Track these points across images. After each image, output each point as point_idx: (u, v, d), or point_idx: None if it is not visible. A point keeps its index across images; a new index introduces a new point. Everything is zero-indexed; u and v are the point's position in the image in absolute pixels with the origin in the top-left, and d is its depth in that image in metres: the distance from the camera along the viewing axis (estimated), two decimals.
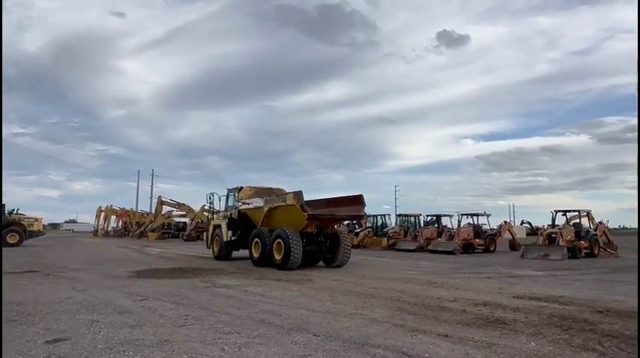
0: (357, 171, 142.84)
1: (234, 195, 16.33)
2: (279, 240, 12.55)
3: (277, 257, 12.62)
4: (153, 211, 46.94)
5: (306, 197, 13.06)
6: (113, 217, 49.47)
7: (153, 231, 39.87)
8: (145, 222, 44.84)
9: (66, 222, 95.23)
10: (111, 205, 49.50)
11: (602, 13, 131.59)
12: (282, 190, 16.07)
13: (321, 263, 14.12)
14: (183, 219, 44.52)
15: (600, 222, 21.78)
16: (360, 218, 20.54)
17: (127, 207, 51.86)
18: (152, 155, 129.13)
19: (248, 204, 15.09)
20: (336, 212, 13.07)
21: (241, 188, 16.25)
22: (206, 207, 18.73)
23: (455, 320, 5.92)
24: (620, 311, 6.58)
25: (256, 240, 13.77)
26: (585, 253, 19.08)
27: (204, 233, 18.98)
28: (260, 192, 15.88)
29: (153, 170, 70.43)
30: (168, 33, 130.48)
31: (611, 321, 5.86)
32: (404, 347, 4.53)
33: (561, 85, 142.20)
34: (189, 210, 42.21)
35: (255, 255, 13.71)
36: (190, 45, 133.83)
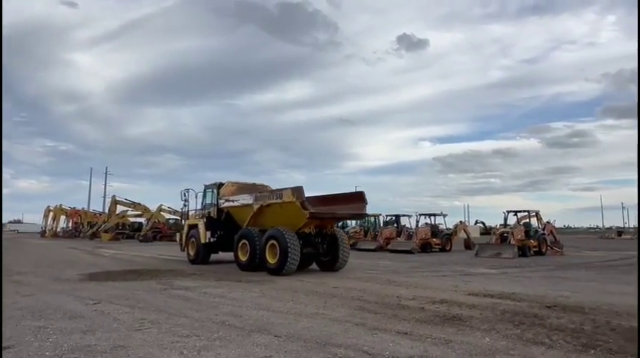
0: (317, 172, 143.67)
1: (213, 191, 14.75)
2: (274, 241, 11.22)
3: (271, 261, 11.25)
4: (106, 211, 45.13)
5: None
6: (63, 217, 47.13)
7: (106, 231, 38.26)
8: (97, 223, 43.00)
9: (10, 222, 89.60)
10: (60, 204, 47.12)
11: (549, 24, 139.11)
12: (266, 186, 14.95)
13: (313, 266, 12.91)
14: (138, 219, 43.09)
15: (548, 222, 23.01)
16: (361, 217, 18.82)
17: (78, 207, 49.63)
18: (105, 152, 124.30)
19: (232, 201, 13.55)
20: (338, 210, 11.92)
21: (221, 184, 14.64)
22: (181, 205, 16.52)
23: (414, 317, 6.05)
24: (566, 306, 6.96)
25: (244, 241, 12.28)
26: (534, 251, 20.05)
27: (178, 234, 17.01)
28: (244, 188, 14.49)
29: (106, 168, 67.99)
30: (123, 26, 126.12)
31: (558, 316, 6.18)
32: (365, 346, 4.58)
33: (513, 91, 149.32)
34: (146, 209, 40.91)
35: (242, 258, 12.27)
36: (146, 39, 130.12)
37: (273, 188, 13.62)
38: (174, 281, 9.97)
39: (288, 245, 10.87)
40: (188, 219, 15.99)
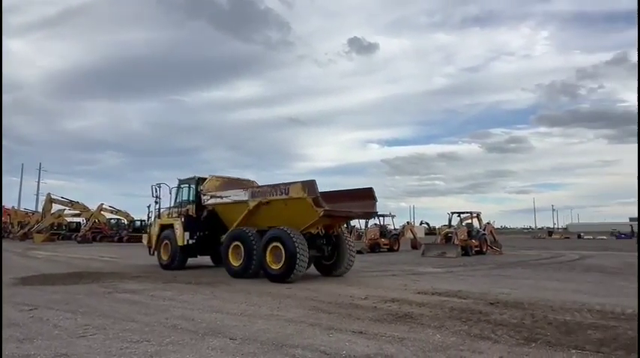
0: (267, 171, 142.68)
1: (191, 187, 13.20)
2: (277, 243, 9.89)
3: (274, 266, 9.95)
4: (39, 210, 42.16)
5: None
6: None
7: (39, 232, 35.68)
8: (29, 222, 40.07)
9: None
10: None
11: (489, 35, 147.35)
12: (252, 182, 13.49)
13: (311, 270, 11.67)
14: (76, 219, 40.66)
15: (488, 223, 24.29)
16: (372, 216, 16.46)
17: (8, 205, 45.98)
18: (40, 147, 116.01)
19: (220, 197, 11.95)
20: (351, 208, 10.86)
21: (201, 178, 13.04)
22: (151, 203, 14.19)
23: (367, 316, 6.16)
24: (507, 302, 7.38)
25: (236, 243, 10.86)
26: (476, 251, 21.09)
27: (145, 236, 14.88)
28: (229, 183, 13.05)
29: (40, 164, 63.54)
30: (62, 12, 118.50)
31: (501, 312, 6.55)
32: (322, 346, 4.61)
33: (455, 98, 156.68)
34: (84, 208, 38.66)
35: (235, 263, 10.82)
36: (88, 28, 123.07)
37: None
38: (118, 284, 9.50)
39: (297, 248, 9.56)
40: (159, 218, 13.87)
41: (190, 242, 12.43)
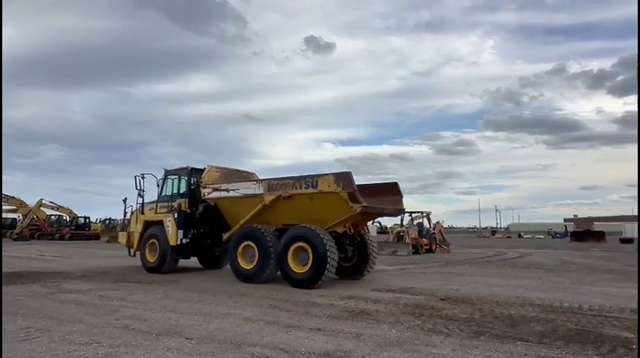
0: None
1: (181, 179, 11.75)
2: (303, 243, 8.80)
3: (298, 269, 8.83)
4: None
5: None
6: None
7: None
8: None
9: None
10: None
11: (440, 41, 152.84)
12: (253, 174, 12.40)
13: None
14: (12, 215, 37.95)
15: (437, 222, 25.19)
16: (401, 213, 14.21)
17: None
18: None
19: (225, 190, 10.53)
20: (384, 205, 9.74)
21: (195, 169, 11.66)
22: (127, 197, 12.72)
23: (325, 314, 6.23)
24: (457, 298, 7.71)
25: (247, 243, 9.67)
26: (426, 249, 21.80)
27: (122, 234, 13.13)
28: (231, 174, 11.83)
29: None
30: None
31: (452, 307, 6.83)
32: (281, 344, 4.61)
33: (407, 101, 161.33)
34: (21, 204, 36.18)
35: (246, 265, 9.63)
36: (31, 11, 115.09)
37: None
38: (62, 284, 9.00)
39: (328, 249, 8.51)
40: (143, 213, 12.12)
41: (184, 241, 11.00)
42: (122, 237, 12.99)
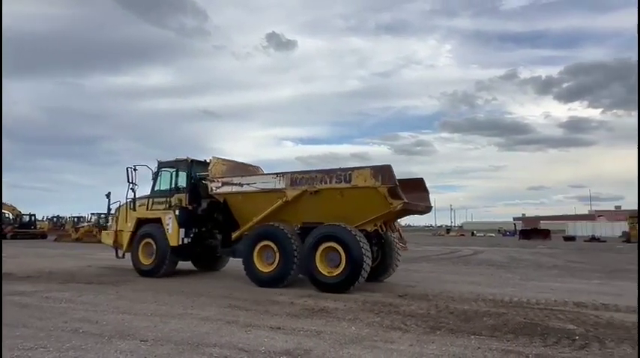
0: None
1: (181, 171, 10.61)
2: (333, 243, 8.03)
3: (327, 272, 8.09)
4: None
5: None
6: None
7: None
8: None
9: None
10: None
11: (400, 44, 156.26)
12: (258, 168, 11.59)
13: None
14: None
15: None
16: (430, 210, 11.51)
17: None
18: None
19: (238, 184, 9.51)
20: (418, 201, 9.01)
21: (195, 160, 10.67)
22: (110, 191, 11.55)
23: (285, 312, 6.21)
24: (414, 294, 7.90)
25: (265, 243, 8.78)
26: None
27: (107, 234, 11.69)
28: (237, 167, 10.86)
29: None
30: None
31: (409, 303, 6.99)
32: (240, 343, 4.54)
33: (367, 101, 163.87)
34: None
35: (264, 268, 8.77)
36: None
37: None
38: (4, 285, 8.42)
39: (363, 251, 7.83)
40: (134, 209, 10.81)
41: (186, 241, 9.94)
42: (107, 237, 11.62)
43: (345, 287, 7.88)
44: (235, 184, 9.57)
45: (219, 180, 9.80)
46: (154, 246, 10.08)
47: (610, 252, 23.98)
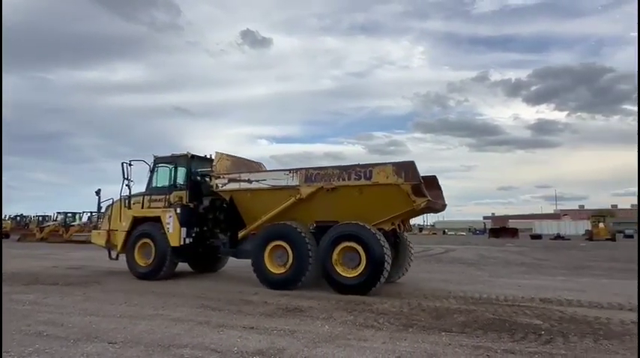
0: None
1: (180, 167, 10.07)
2: (353, 243, 7.69)
3: (347, 273, 7.76)
4: None
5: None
6: None
7: None
8: None
9: None
10: None
11: (374, 44, 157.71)
12: (260, 164, 11.17)
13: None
14: None
15: None
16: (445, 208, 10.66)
17: None
18: None
19: (247, 181, 8.99)
20: (434, 199, 8.50)
21: (195, 156, 10.16)
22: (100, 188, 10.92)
23: (258, 312, 6.16)
24: (387, 292, 7.95)
25: (278, 243, 8.39)
26: None
27: (101, 233, 10.72)
28: (240, 163, 10.34)
29: None
30: None
31: (382, 301, 7.04)
32: (212, 344, 4.48)
33: (342, 101, 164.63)
34: None
35: (275, 269, 8.38)
36: None
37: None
38: None
39: (385, 251, 7.53)
40: (130, 208, 10.21)
41: (187, 241, 9.45)
42: (98, 237, 10.78)
43: (365, 289, 7.57)
44: (243, 181, 9.08)
45: (226, 176, 9.28)
46: (153, 247, 9.52)
47: (574, 249, 24.92)
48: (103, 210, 11.06)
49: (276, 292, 7.84)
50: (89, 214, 30.95)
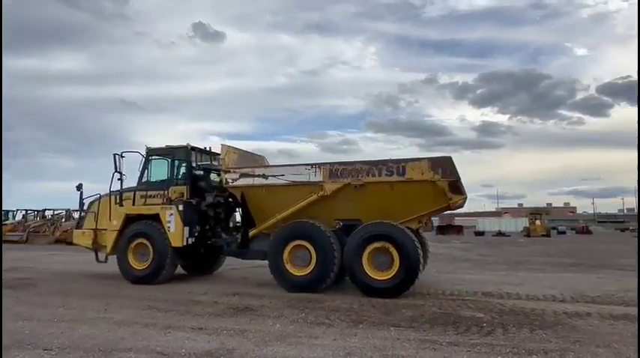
0: (92, 159, 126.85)
1: (178, 159, 9.32)
2: (386, 243, 7.28)
3: (378, 276, 7.32)
4: None
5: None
6: None
7: None
8: None
9: None
10: None
11: (328, 43, 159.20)
12: (263, 158, 10.44)
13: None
14: None
15: None
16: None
17: None
18: None
19: (262, 176, 8.35)
20: None
21: (195, 148, 9.49)
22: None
23: (207, 312, 6.02)
24: (338, 289, 8.01)
25: (298, 243, 7.84)
26: None
27: (85, 233, 9.67)
28: (246, 156, 9.61)
29: None
30: None
31: (333, 298, 7.10)
32: (158, 347, 4.33)
33: (295, 98, 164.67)
34: None
35: (296, 271, 7.84)
36: None
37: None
38: None
39: (419, 252, 7.24)
40: (121, 204, 9.27)
41: (190, 241, 8.70)
42: (82, 237, 9.72)
43: (398, 292, 7.23)
44: (258, 176, 8.40)
45: (237, 171, 8.55)
46: (150, 248, 8.70)
47: (513, 245, 26.38)
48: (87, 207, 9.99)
49: (228, 291, 7.70)
50: (24, 212, 29.10)
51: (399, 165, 7.61)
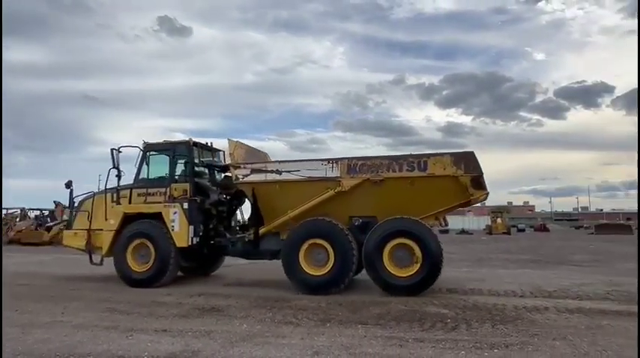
0: (48, 156, 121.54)
1: (179, 155, 8.81)
2: (407, 240, 7.13)
3: (398, 273, 7.18)
4: None
5: None
6: None
7: None
8: None
9: None
10: None
11: (297, 42, 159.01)
12: (266, 154, 10.01)
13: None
14: None
15: None
16: None
17: None
18: None
19: (275, 172, 8.01)
20: None
21: (198, 143, 9.08)
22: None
23: (172, 313, 5.88)
24: None
25: (315, 241, 7.57)
26: None
27: (82, 233, 9.00)
28: (252, 152, 9.25)
29: None
30: None
31: (301, 298, 7.09)
32: (120, 351, 4.18)
33: (263, 96, 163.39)
34: None
35: (313, 271, 7.56)
36: None
37: None
38: None
39: (442, 249, 7.19)
40: (119, 202, 8.74)
41: (195, 241, 8.28)
42: (74, 238, 9.14)
43: (420, 290, 7.13)
44: (271, 171, 8.08)
45: (248, 166, 8.20)
46: (151, 248, 8.20)
47: (476, 243, 27.19)
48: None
49: (193, 292, 7.55)
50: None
51: (420, 160, 7.47)
